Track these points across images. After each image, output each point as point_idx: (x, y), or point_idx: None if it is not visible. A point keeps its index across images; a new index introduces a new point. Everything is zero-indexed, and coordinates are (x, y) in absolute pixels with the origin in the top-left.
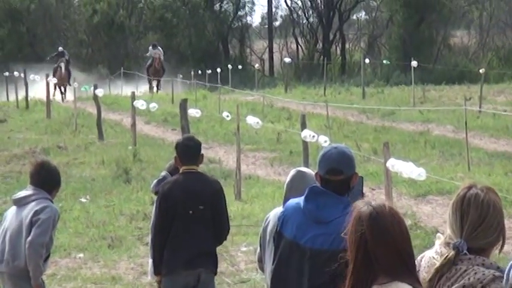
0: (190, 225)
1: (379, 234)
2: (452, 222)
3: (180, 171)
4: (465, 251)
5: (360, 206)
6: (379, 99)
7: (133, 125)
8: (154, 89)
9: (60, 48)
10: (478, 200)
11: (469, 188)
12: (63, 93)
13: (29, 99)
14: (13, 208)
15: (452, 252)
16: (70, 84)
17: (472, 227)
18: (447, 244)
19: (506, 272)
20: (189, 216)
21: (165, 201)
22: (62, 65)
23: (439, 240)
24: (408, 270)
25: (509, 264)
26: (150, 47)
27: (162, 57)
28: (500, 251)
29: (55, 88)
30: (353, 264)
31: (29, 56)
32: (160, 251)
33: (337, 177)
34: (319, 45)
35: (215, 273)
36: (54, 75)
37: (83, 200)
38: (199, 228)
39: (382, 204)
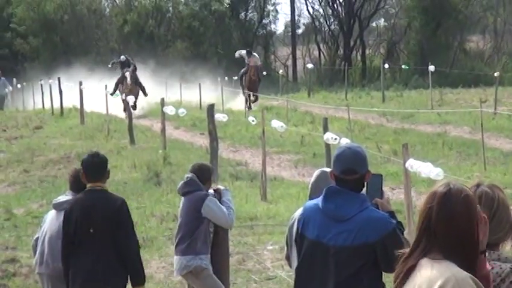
0: (91, 243)
1: (445, 213)
2: None
3: (87, 187)
4: None
5: (440, 185)
6: (399, 102)
7: (163, 129)
8: (251, 100)
9: (123, 57)
10: (488, 197)
11: (478, 186)
12: (131, 106)
13: (63, 106)
14: (52, 212)
15: None
16: (146, 94)
17: None
18: None
19: None
20: (90, 235)
21: (67, 220)
22: (127, 74)
23: None
24: (467, 253)
25: None
26: (243, 52)
27: (259, 64)
28: None
29: (124, 103)
30: (417, 233)
31: (63, 65)
32: (67, 270)
33: (353, 176)
34: (340, 52)
35: None
36: (118, 87)
37: None
38: (100, 246)
39: (460, 189)
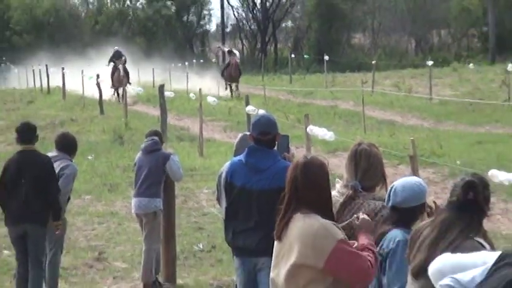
0: (23, 190)
1: (307, 177)
2: (348, 169)
3: (20, 149)
4: (360, 189)
5: (300, 157)
6: (302, 83)
7: (125, 103)
8: (235, 92)
9: (116, 48)
10: (366, 152)
11: (359, 144)
12: (119, 95)
13: (50, 86)
14: None
15: (351, 191)
16: (130, 83)
17: (363, 171)
18: (345, 186)
19: (387, 194)
20: (21, 183)
21: (4, 173)
22: (121, 67)
23: (339, 184)
24: (325, 207)
25: (389, 188)
26: (226, 51)
27: (238, 61)
28: (386, 188)
29: (115, 90)
30: (287, 197)
31: (49, 55)
32: (3, 208)
33: (267, 136)
34: (258, 45)
35: (45, 225)
36: (112, 77)
37: (89, 157)
38: (29, 193)
39: (316, 158)
